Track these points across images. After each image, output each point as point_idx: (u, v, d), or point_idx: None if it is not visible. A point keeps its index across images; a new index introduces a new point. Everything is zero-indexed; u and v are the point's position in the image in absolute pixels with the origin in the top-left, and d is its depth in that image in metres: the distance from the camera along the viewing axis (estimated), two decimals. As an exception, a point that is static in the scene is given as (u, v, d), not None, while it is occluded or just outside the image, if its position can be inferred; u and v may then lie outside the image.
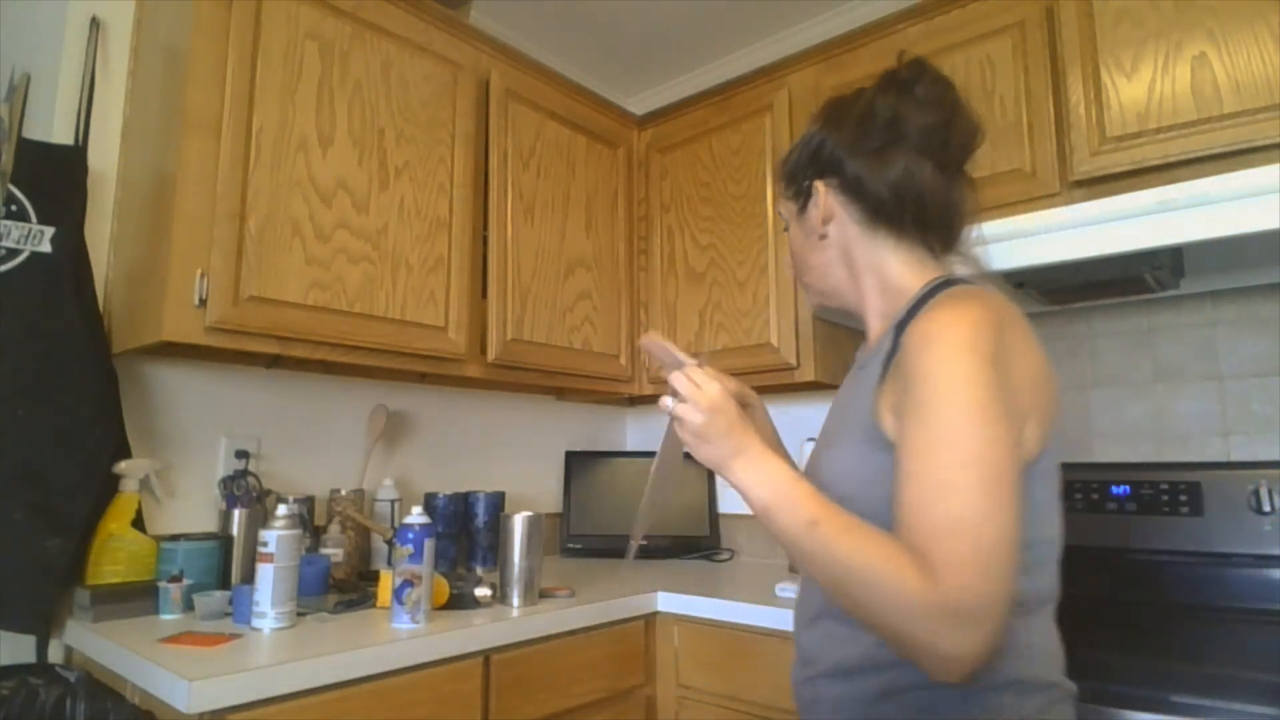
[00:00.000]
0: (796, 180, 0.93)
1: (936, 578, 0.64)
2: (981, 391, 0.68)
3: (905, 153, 0.84)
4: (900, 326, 0.79)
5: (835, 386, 1.71)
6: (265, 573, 1.21)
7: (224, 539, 1.44)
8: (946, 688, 0.70)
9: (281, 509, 1.27)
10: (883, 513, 0.72)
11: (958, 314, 0.72)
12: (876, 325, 0.89)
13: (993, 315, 0.73)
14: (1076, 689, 0.79)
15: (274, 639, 1.17)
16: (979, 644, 0.63)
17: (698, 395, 0.82)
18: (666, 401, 0.84)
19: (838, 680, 0.81)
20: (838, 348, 1.87)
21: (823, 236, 0.91)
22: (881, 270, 0.88)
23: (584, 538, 2.17)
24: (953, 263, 0.90)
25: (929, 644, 0.64)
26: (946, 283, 0.82)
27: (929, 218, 0.86)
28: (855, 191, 0.87)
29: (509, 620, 1.35)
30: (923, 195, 0.85)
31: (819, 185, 0.90)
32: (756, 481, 0.78)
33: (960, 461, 0.66)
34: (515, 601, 1.44)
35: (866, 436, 0.78)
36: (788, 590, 1.50)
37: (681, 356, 0.88)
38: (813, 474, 0.85)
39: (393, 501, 1.78)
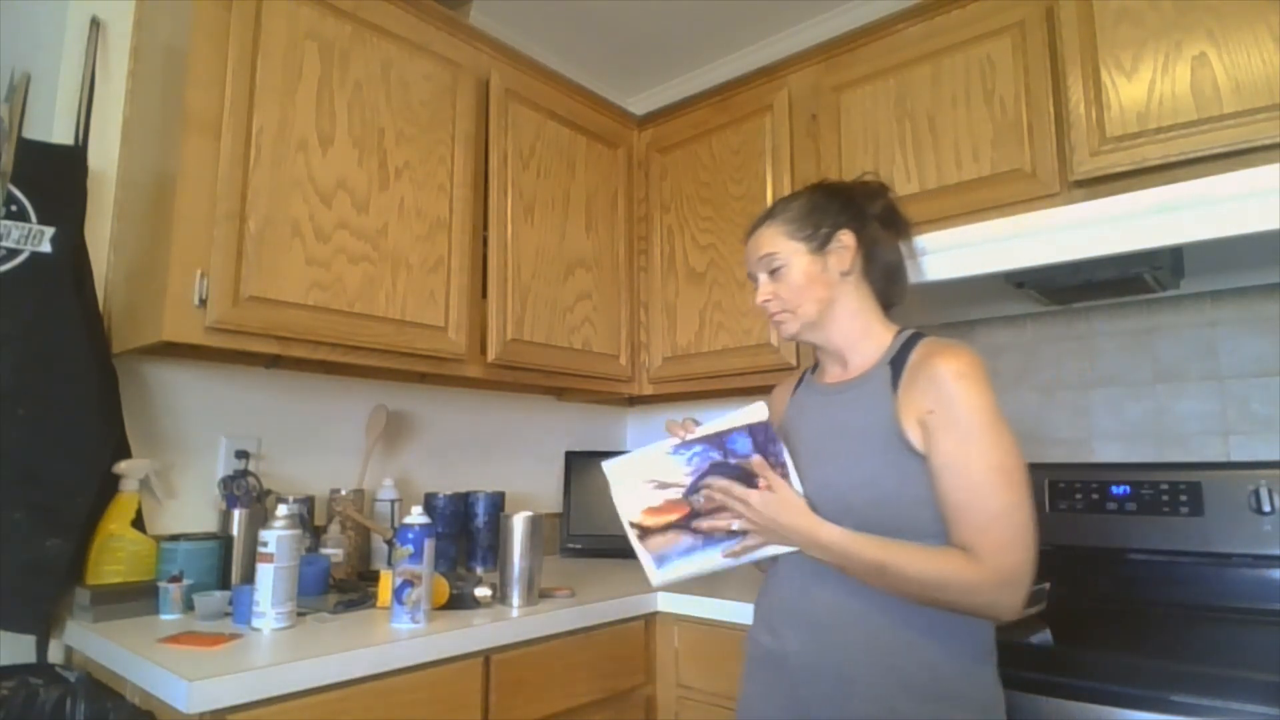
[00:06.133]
0: (815, 223, 1.05)
1: (983, 561, 0.87)
2: (998, 413, 0.91)
3: (895, 232, 1.10)
4: (896, 363, 0.99)
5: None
6: (265, 573, 1.21)
7: (224, 539, 1.44)
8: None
9: (281, 509, 1.27)
10: (918, 506, 0.92)
11: (972, 357, 0.94)
12: (858, 360, 1.05)
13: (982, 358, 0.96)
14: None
15: (274, 639, 1.17)
16: (1022, 599, 0.88)
17: (748, 511, 0.99)
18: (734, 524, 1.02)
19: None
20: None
21: (845, 274, 1.05)
22: (865, 316, 1.06)
23: (584, 538, 2.17)
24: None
25: (989, 606, 0.89)
26: (917, 334, 1.03)
27: (900, 284, 1.11)
28: (868, 248, 1.07)
29: (509, 620, 1.35)
30: (900, 266, 1.11)
31: (848, 234, 1.05)
32: (823, 555, 0.96)
33: (989, 466, 0.89)
34: (515, 601, 1.44)
35: (891, 445, 0.94)
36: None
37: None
38: (828, 481, 0.98)
39: (393, 501, 1.78)
